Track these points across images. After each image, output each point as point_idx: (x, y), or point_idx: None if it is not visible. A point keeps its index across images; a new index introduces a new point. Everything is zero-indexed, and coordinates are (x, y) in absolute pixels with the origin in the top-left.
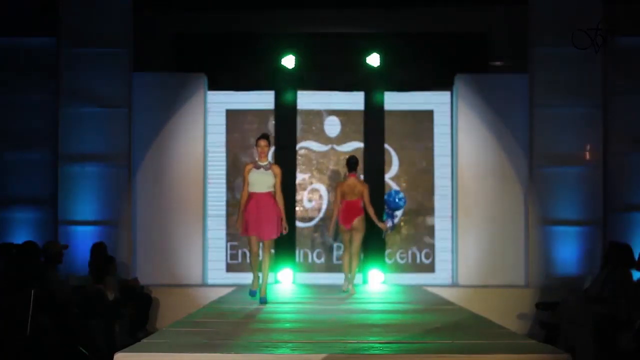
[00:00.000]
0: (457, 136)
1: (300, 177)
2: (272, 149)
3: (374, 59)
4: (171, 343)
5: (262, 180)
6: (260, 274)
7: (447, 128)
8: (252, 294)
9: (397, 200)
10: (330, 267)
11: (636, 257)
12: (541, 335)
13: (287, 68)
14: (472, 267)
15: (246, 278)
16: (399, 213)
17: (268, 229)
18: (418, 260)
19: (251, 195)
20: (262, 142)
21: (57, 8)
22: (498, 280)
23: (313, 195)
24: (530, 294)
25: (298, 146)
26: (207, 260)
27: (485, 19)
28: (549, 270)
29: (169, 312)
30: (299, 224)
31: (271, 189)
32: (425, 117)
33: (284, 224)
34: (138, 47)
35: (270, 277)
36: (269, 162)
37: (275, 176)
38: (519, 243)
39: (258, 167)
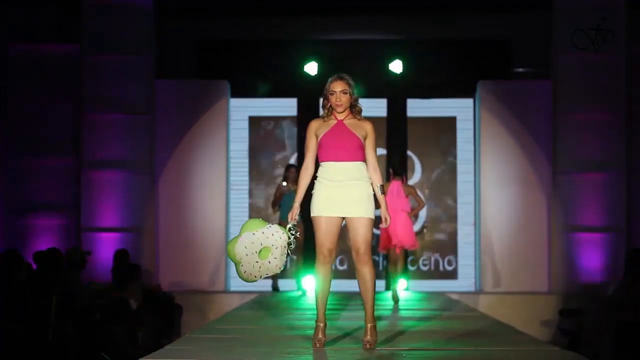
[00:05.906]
0: (479, 143)
1: None
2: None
3: (396, 66)
4: (194, 350)
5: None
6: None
7: (470, 135)
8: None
9: None
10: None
11: None
12: (564, 342)
13: (309, 75)
14: (495, 274)
15: (269, 285)
16: None
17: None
18: (441, 267)
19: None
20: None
21: (80, 16)
22: (521, 287)
23: None
24: (553, 301)
25: None
26: (230, 266)
27: (508, 25)
28: (572, 277)
29: (192, 318)
30: None
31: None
32: (448, 124)
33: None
34: (161, 54)
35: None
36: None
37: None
38: (542, 250)
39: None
